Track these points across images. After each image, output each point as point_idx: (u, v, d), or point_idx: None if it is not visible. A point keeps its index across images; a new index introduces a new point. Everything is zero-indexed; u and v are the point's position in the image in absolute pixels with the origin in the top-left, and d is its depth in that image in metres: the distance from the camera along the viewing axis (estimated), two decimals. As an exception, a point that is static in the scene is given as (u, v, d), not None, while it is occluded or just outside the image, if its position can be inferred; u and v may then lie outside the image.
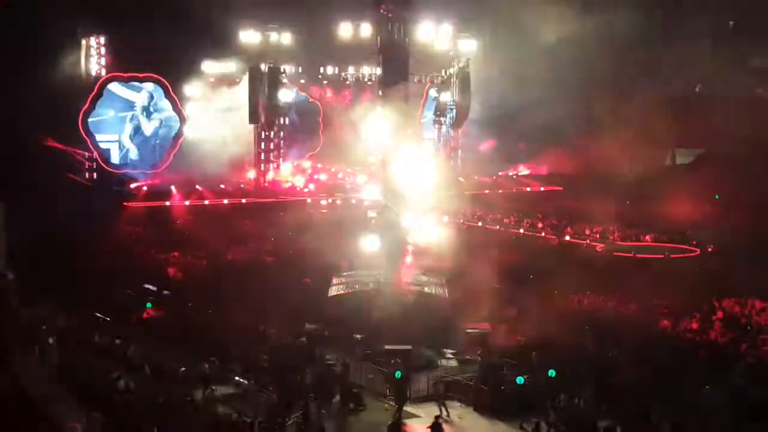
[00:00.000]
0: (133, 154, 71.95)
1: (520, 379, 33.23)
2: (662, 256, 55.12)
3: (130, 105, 71.54)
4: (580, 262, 54.28)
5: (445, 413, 32.95)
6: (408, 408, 33.38)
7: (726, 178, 67.66)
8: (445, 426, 31.04)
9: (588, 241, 60.16)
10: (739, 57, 75.06)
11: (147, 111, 72.02)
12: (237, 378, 35.40)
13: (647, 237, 61.00)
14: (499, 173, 79.79)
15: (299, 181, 76.64)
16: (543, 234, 62.20)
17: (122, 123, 71.45)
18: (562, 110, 67.28)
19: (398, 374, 34.37)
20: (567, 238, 61.37)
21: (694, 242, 58.53)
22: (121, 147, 71.41)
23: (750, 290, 45.71)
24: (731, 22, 78.11)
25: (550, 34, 65.18)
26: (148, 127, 72.50)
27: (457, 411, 33.70)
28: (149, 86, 71.75)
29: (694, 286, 48.05)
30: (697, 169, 74.97)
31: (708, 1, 71.59)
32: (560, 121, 67.12)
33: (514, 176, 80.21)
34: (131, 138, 71.80)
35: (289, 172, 77.24)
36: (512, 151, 78.89)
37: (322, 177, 78.41)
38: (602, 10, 67.07)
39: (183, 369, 34.67)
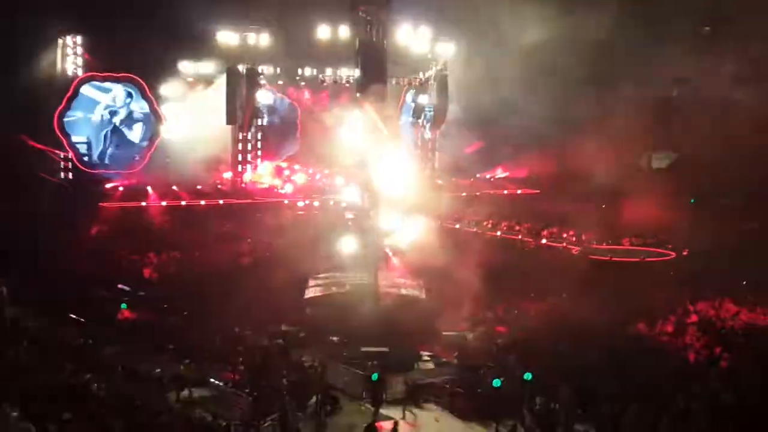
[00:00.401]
0: (109, 154, 71.42)
1: (496, 382, 33.22)
2: (638, 259, 55.32)
3: (106, 105, 71.05)
4: (557, 266, 54.52)
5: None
6: (384, 410, 33.35)
7: (701, 182, 67.99)
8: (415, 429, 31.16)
9: (564, 245, 60.27)
10: (715, 61, 75.45)
11: (124, 111, 71.58)
12: (212, 380, 35.28)
13: (623, 240, 61.17)
14: (477, 175, 79.83)
15: (276, 183, 76.45)
16: (520, 237, 62.25)
17: (98, 123, 70.85)
18: (540, 113, 67.38)
19: (375, 376, 34.35)
20: (543, 241, 61.45)
21: (670, 245, 58.73)
22: (96, 147, 70.88)
23: (725, 294, 46.01)
24: (707, 27, 78.50)
25: (527, 37, 65.26)
26: (125, 128, 72.07)
27: (433, 413, 33.73)
28: (126, 86, 71.28)
29: (669, 289, 48.36)
30: (673, 173, 75.30)
31: (685, 6, 71.77)
32: (538, 124, 67.20)
33: (492, 179, 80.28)
34: (107, 138, 71.26)
35: (266, 174, 77.04)
36: (490, 154, 78.90)
37: (300, 178, 78.18)
38: (580, 14, 67.26)
39: (158, 370, 34.52)
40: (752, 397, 29.86)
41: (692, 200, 67.79)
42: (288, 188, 75.46)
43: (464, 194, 71.48)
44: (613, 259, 55.48)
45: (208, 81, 74.39)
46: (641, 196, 61.64)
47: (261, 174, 76.33)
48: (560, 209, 68.49)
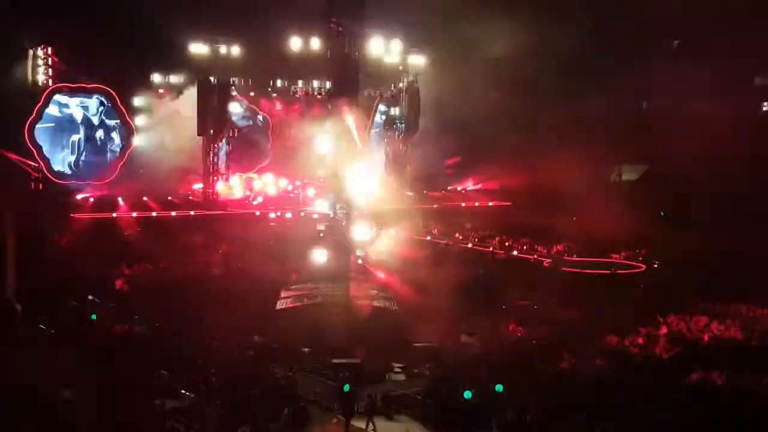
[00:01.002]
0: (80, 165, 71.10)
1: (467, 394, 33.27)
2: (609, 272, 55.56)
3: (77, 116, 70.77)
4: (528, 278, 54.73)
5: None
6: (355, 422, 33.34)
7: (671, 195, 68.54)
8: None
9: (535, 256, 60.45)
10: (683, 75, 76.15)
11: (95, 122, 71.26)
12: (183, 391, 35.14)
13: (593, 253, 61.37)
14: (449, 188, 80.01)
15: (248, 194, 76.26)
16: (491, 249, 62.37)
17: (70, 134, 70.66)
18: (512, 126, 67.67)
19: (346, 388, 34.34)
20: (515, 253, 61.60)
21: (641, 258, 59.05)
22: (67, 158, 70.59)
23: (695, 306, 46.36)
24: (675, 41, 79.21)
25: (498, 50, 65.63)
26: (96, 138, 71.74)
27: (404, 425, 33.74)
28: (97, 97, 70.97)
29: (640, 301, 48.68)
30: (643, 186, 75.82)
31: (654, 20, 72.37)
32: (509, 137, 67.42)
33: (463, 191, 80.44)
34: (78, 149, 71.00)
35: (237, 185, 76.84)
36: (461, 166, 79.09)
37: (271, 190, 78.01)
38: (550, 28, 67.74)
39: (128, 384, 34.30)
40: (723, 410, 30.07)
41: (662, 214, 68.29)
42: (259, 200, 75.30)
43: (435, 206, 71.60)
44: (584, 271, 55.63)
45: (179, 92, 74.20)
46: (612, 209, 62.02)
47: (232, 185, 76.11)
48: (531, 221, 68.89)
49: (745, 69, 76.03)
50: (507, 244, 63.92)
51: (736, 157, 62.45)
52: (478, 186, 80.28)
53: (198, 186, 73.85)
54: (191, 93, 70.82)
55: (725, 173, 63.07)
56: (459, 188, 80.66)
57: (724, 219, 60.80)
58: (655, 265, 57.29)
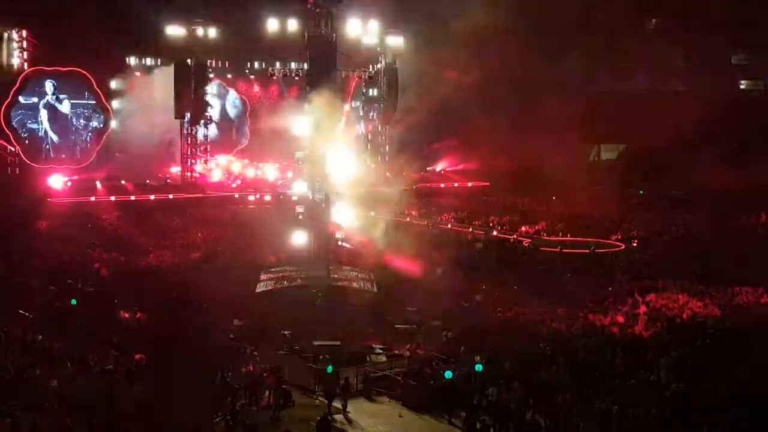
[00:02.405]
0: (58, 148, 70.72)
1: (448, 374, 33.32)
2: (588, 251, 55.66)
3: (53, 99, 70.33)
4: (507, 257, 54.81)
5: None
6: (337, 403, 33.36)
7: (649, 173, 68.80)
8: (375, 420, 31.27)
9: (515, 236, 60.47)
10: (661, 55, 76.44)
11: (71, 105, 70.81)
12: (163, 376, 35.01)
13: (571, 232, 61.45)
14: (428, 168, 79.97)
15: (226, 177, 76.05)
16: (471, 229, 62.38)
17: (46, 117, 70.25)
18: (490, 107, 67.64)
19: (330, 369, 34.37)
20: (494, 233, 61.61)
21: (620, 236, 59.19)
22: (44, 141, 70.21)
23: (673, 284, 46.51)
24: (653, 20, 79.38)
25: (477, 30, 65.48)
26: (73, 122, 71.30)
27: (397, 409, 33.77)
28: (73, 80, 70.53)
29: (619, 280, 48.83)
30: (621, 164, 76.05)
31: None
32: (488, 117, 67.36)
33: (443, 172, 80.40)
34: (55, 132, 70.59)
35: (216, 167, 76.63)
36: (440, 147, 79.09)
37: (250, 172, 77.85)
38: (528, 8, 67.77)
39: (109, 366, 34.14)
40: (702, 387, 30.15)
41: (641, 191, 68.54)
42: (238, 182, 75.12)
43: (415, 187, 71.52)
44: (564, 250, 55.71)
45: (156, 75, 73.89)
46: (591, 188, 62.23)
47: (211, 168, 75.87)
48: (510, 201, 69.03)
49: (722, 48, 76.35)
50: (491, 224, 63.77)
51: (712, 135, 62.69)
52: (457, 167, 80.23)
53: (176, 169, 73.63)
54: (169, 76, 70.38)
55: (701, 152, 63.28)
56: (438, 169, 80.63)
57: (702, 197, 61.11)
58: (634, 244, 57.40)
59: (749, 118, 69.58)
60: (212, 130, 77.12)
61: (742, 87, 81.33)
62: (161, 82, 72.87)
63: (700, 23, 70.26)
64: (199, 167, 73.62)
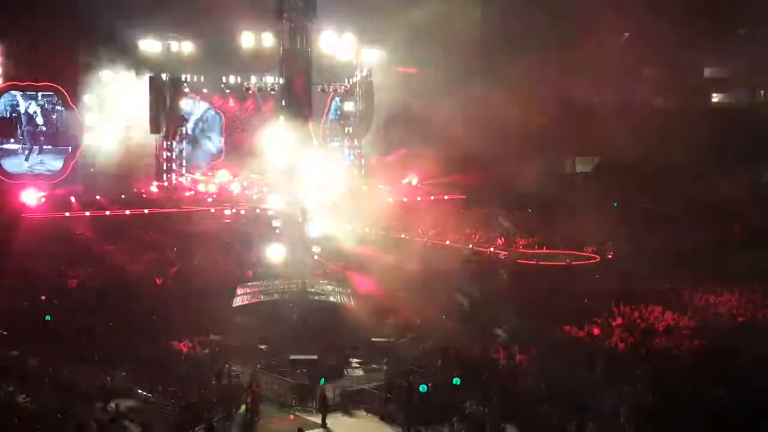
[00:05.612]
0: (32, 163, 70.41)
1: (422, 387, 33.39)
2: (564, 263, 55.88)
3: (28, 114, 70.08)
4: (484, 270, 54.92)
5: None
6: (311, 417, 33.37)
7: (624, 186, 69.05)
8: None
9: (491, 249, 60.58)
10: (633, 68, 76.83)
11: (45, 120, 70.55)
12: (140, 391, 34.93)
13: (547, 245, 61.64)
14: (403, 181, 79.90)
15: (202, 191, 75.74)
16: (447, 242, 62.38)
17: (20, 132, 69.94)
18: (466, 118, 67.72)
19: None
20: (470, 246, 61.66)
21: (595, 249, 59.41)
22: (19, 156, 69.90)
23: (648, 296, 46.74)
24: (626, 34, 79.78)
25: (451, 41, 65.64)
26: (48, 137, 71.01)
27: (373, 423, 33.81)
28: (47, 95, 70.30)
29: (594, 292, 48.99)
30: (596, 177, 76.31)
31: (605, 12, 72.90)
32: (463, 129, 67.42)
33: (418, 185, 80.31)
34: (30, 147, 70.30)
35: (191, 182, 76.35)
36: (416, 160, 79.04)
37: (226, 187, 77.62)
38: (503, 18, 68.06)
39: (83, 385, 34.02)
40: (677, 399, 30.32)
41: (615, 204, 68.79)
42: (214, 196, 74.83)
43: (390, 200, 71.51)
44: (540, 263, 55.89)
45: (131, 90, 73.62)
46: (566, 201, 62.38)
47: (186, 183, 75.60)
48: (486, 214, 69.08)
49: (694, 61, 76.89)
50: (463, 237, 63.78)
51: (686, 147, 62.99)
52: (433, 180, 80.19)
53: (152, 186, 73.37)
54: (144, 91, 70.11)
55: (674, 164, 63.63)
56: (414, 182, 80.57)
57: (676, 209, 61.45)
58: (609, 256, 57.65)
59: (722, 130, 69.94)
60: (187, 145, 76.91)
61: (714, 100, 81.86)
62: (136, 97, 72.60)
63: (673, 37, 70.62)
64: (174, 181, 73.34)
